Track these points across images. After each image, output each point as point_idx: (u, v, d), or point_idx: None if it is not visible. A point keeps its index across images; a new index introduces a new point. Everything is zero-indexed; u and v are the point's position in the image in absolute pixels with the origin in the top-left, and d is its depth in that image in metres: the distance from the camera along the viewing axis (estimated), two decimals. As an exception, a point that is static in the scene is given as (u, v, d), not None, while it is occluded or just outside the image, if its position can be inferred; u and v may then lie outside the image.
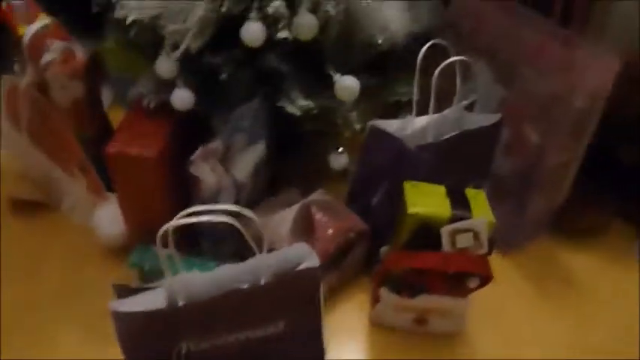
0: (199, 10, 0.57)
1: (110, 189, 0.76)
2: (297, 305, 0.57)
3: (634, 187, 0.83)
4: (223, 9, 0.57)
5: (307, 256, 0.55)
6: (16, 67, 0.76)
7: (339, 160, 0.73)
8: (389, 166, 0.70)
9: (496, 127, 0.75)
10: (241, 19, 0.59)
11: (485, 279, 0.64)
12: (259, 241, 0.53)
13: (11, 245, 0.81)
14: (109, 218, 0.76)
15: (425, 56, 0.72)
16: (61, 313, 0.73)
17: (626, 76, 0.78)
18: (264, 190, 0.74)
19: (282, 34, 0.57)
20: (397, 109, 0.80)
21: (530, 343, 0.73)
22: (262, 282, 0.53)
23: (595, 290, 0.80)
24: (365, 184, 0.74)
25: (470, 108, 0.77)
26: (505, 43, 0.75)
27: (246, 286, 0.53)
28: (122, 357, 0.54)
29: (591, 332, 0.74)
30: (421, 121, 0.72)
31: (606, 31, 0.86)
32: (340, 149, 0.73)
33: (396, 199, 0.67)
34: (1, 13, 0.71)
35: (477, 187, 0.77)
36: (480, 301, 0.70)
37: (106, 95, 0.85)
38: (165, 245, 0.49)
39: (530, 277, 0.81)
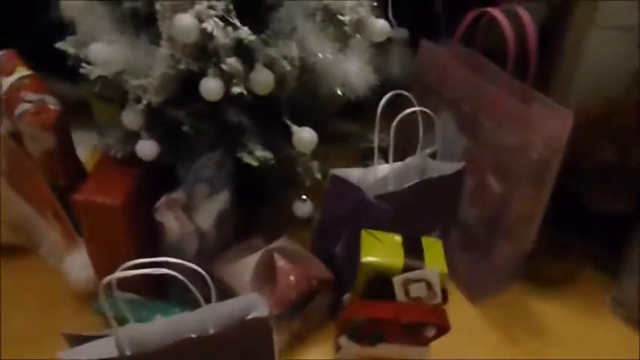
0: (160, 67, 0.60)
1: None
2: (248, 356, 0.58)
3: (602, 234, 0.84)
4: (181, 66, 0.60)
5: (257, 306, 0.56)
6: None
7: (303, 207, 0.75)
8: (350, 215, 0.71)
9: (458, 175, 0.76)
10: (201, 74, 0.62)
11: (442, 329, 0.64)
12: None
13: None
14: (79, 264, 0.77)
15: (392, 104, 0.75)
16: (28, 356, 0.73)
17: (590, 125, 0.80)
18: (230, 237, 0.75)
19: (237, 90, 0.60)
20: (367, 156, 0.82)
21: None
22: (211, 332, 0.54)
23: (563, 340, 0.80)
24: (328, 232, 0.76)
25: (433, 156, 0.78)
26: (467, 95, 0.77)
27: (194, 335, 0.54)
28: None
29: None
30: (383, 169, 0.74)
31: (570, 83, 0.88)
32: (304, 197, 0.74)
33: (357, 248, 0.68)
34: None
35: (442, 234, 0.78)
36: (446, 348, 0.70)
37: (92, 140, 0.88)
38: (110, 295, 0.50)
39: (497, 325, 0.81)
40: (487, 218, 0.79)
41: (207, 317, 0.54)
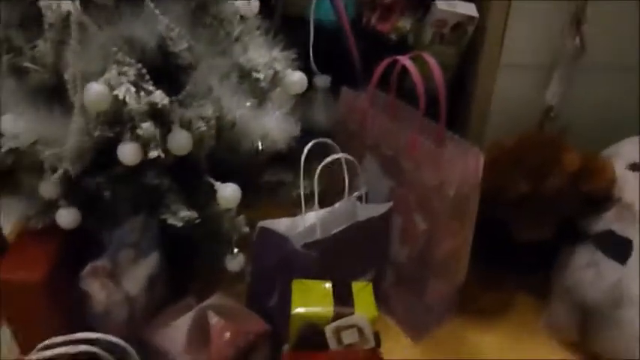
0: (73, 137, 0.60)
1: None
2: None
3: (528, 263, 0.87)
4: (96, 134, 0.60)
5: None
6: None
7: (235, 262, 0.75)
8: (280, 265, 0.72)
9: (386, 216, 0.79)
10: (117, 140, 0.62)
11: (377, 373, 0.64)
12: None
13: None
14: (2, 344, 0.74)
15: (320, 152, 0.77)
16: None
17: (506, 159, 0.84)
18: (163, 300, 0.74)
19: (154, 154, 0.60)
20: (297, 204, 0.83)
21: None
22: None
23: (503, 368, 0.81)
24: (261, 284, 0.76)
25: (360, 200, 0.80)
26: (387, 138, 0.80)
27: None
28: None
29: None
30: (311, 217, 0.75)
31: (484, 121, 0.93)
32: (235, 251, 0.74)
33: (290, 298, 0.68)
34: None
35: (376, 275, 0.80)
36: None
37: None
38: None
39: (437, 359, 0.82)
40: (417, 256, 0.81)
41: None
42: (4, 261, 0.66)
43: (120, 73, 0.59)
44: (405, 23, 0.94)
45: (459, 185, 0.72)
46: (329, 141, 0.77)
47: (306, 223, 0.74)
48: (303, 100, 0.85)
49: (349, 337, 0.63)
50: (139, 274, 0.69)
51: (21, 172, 0.68)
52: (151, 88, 0.61)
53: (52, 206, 0.67)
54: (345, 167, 0.78)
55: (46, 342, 0.48)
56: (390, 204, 0.79)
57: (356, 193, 0.80)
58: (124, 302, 0.69)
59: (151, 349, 0.70)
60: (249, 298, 0.78)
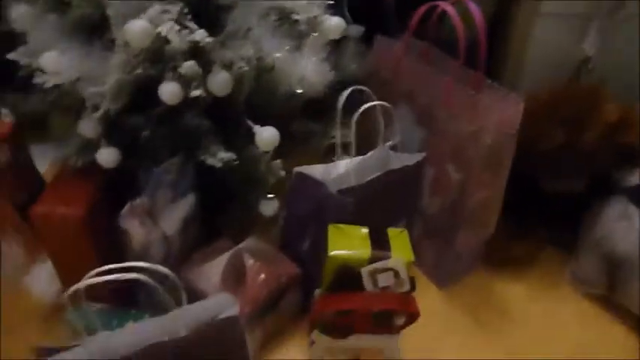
0: (115, 74, 0.60)
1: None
2: (222, 356, 0.58)
3: (558, 215, 0.87)
4: (139, 71, 0.60)
5: (228, 306, 0.56)
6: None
7: (270, 206, 0.75)
8: (314, 211, 0.72)
9: (419, 165, 0.78)
10: (158, 79, 0.62)
11: (412, 316, 0.66)
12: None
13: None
14: (43, 278, 0.76)
15: (351, 101, 0.76)
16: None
17: (541, 111, 0.83)
18: (196, 240, 0.75)
19: (196, 93, 0.60)
20: (329, 154, 0.83)
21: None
22: (182, 334, 0.54)
23: (528, 318, 0.82)
24: (295, 229, 0.76)
25: (394, 148, 0.80)
26: (422, 87, 0.79)
27: (166, 339, 0.53)
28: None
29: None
30: (345, 164, 0.75)
31: (519, 71, 0.92)
32: (270, 195, 0.75)
33: (324, 243, 0.69)
34: None
35: (406, 225, 0.80)
36: (418, 333, 0.72)
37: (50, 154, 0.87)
38: (76, 305, 0.50)
39: (465, 309, 0.83)
40: (448, 206, 0.81)
41: (179, 320, 0.54)
42: (43, 196, 0.67)
43: (163, 11, 0.58)
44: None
45: (497, 133, 0.71)
46: (365, 89, 0.76)
47: (340, 170, 0.75)
48: (336, 48, 0.84)
49: (385, 280, 0.64)
50: (175, 214, 0.70)
51: (61, 110, 0.69)
52: (193, 26, 0.60)
53: (91, 146, 0.67)
54: (380, 115, 0.77)
55: (98, 269, 0.49)
56: (423, 154, 0.79)
57: (389, 142, 0.80)
58: (160, 241, 0.70)
59: (186, 288, 0.72)
60: (282, 242, 0.79)
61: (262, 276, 0.72)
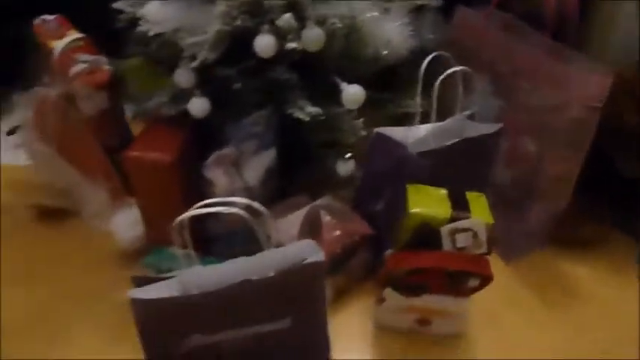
0: (216, 24, 0.62)
1: (130, 195, 0.80)
2: (303, 301, 0.60)
3: (631, 200, 0.86)
4: (238, 22, 0.62)
5: (313, 252, 0.58)
6: (45, 80, 0.82)
7: (346, 166, 0.77)
8: (392, 172, 0.74)
9: (496, 135, 0.78)
10: (252, 31, 0.64)
11: (485, 279, 0.66)
12: (268, 238, 0.57)
13: (35, 249, 0.85)
14: (127, 222, 0.80)
15: (429, 69, 0.77)
16: (80, 314, 0.76)
17: (623, 89, 0.81)
18: (274, 195, 0.78)
19: (292, 45, 0.62)
20: (404, 121, 0.84)
21: (529, 349, 0.74)
22: (270, 274, 0.57)
23: (593, 299, 0.82)
24: (370, 189, 0.78)
25: (472, 118, 0.80)
26: (503, 58, 0.79)
27: (255, 277, 0.56)
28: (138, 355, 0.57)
29: (589, 340, 0.76)
30: (424, 129, 0.76)
31: (605, 45, 0.90)
32: (347, 156, 0.76)
33: (400, 204, 0.70)
34: (33, 29, 0.77)
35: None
36: (481, 306, 0.73)
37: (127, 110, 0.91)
38: (181, 236, 0.53)
39: (530, 285, 0.83)
40: (521, 179, 0.81)
41: (267, 261, 0.57)
42: (136, 142, 0.70)
43: (265, -36, 0.60)
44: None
45: (582, 107, 0.70)
46: (447, 54, 0.77)
47: (420, 134, 0.75)
48: (417, 16, 0.84)
49: (463, 241, 0.64)
50: (258, 166, 0.73)
51: (155, 61, 0.72)
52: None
53: (183, 96, 0.70)
54: (460, 84, 0.77)
55: (204, 202, 0.52)
56: (500, 125, 0.79)
57: (467, 112, 0.80)
58: (243, 191, 0.72)
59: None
60: (356, 202, 0.81)
61: (337, 232, 0.73)
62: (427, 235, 0.65)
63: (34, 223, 0.91)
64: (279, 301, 0.59)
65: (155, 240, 0.77)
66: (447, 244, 0.65)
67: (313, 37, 0.63)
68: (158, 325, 0.57)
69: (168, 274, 0.58)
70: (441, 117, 0.78)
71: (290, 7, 0.63)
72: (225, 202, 0.52)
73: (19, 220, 0.91)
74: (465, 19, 0.84)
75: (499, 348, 0.74)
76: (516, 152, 0.80)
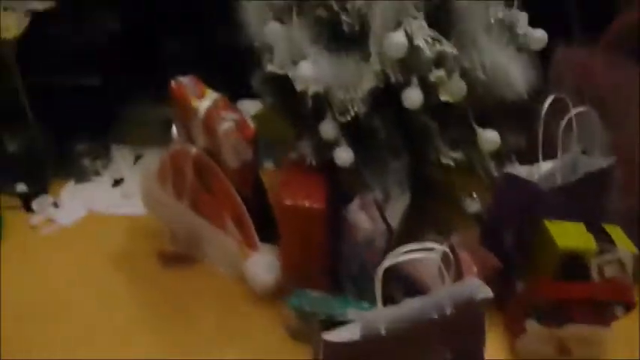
0: (369, 82, 0.67)
1: (261, 240, 0.85)
2: (467, 334, 0.64)
3: None
4: (391, 80, 0.67)
5: (481, 289, 0.62)
6: (176, 134, 0.88)
7: (473, 205, 0.81)
8: (522, 208, 0.78)
9: (612, 168, 0.83)
10: (400, 85, 0.69)
11: (630, 306, 0.70)
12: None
13: (163, 294, 0.89)
14: (263, 266, 0.84)
15: (530, 105, 0.82)
16: (217, 356, 0.78)
17: None
18: (409, 235, 0.82)
19: (444, 98, 0.67)
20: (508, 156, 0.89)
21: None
22: (448, 312, 0.60)
23: None
24: (497, 225, 0.82)
25: (585, 152, 0.85)
26: (613, 93, 0.84)
27: (435, 316, 0.60)
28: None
29: None
30: (545, 166, 0.80)
31: None
32: (474, 195, 0.81)
33: (531, 238, 0.74)
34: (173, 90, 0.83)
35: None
36: (621, 331, 0.75)
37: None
38: (385, 282, 0.57)
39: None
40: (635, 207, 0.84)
41: (444, 299, 0.61)
42: (284, 191, 0.75)
43: (419, 27, 0.65)
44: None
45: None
46: (565, 97, 0.81)
47: (543, 171, 0.80)
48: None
49: (611, 271, 0.68)
50: (398, 209, 0.77)
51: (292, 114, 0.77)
52: (440, 38, 0.67)
53: (327, 145, 0.75)
54: (574, 121, 0.82)
55: (402, 248, 0.56)
56: (614, 158, 0.83)
57: (579, 147, 0.85)
58: (384, 233, 0.77)
59: (403, 276, 0.78)
60: (483, 237, 0.84)
61: (474, 268, 0.77)
62: (574, 268, 0.69)
63: (161, 269, 0.94)
64: (447, 336, 0.63)
65: (294, 282, 0.81)
66: (595, 275, 0.68)
67: (458, 89, 0.68)
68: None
69: (347, 319, 0.62)
70: (547, 152, 0.83)
71: (437, 63, 0.68)
72: (425, 248, 0.56)
73: (145, 267, 0.94)
74: (568, 58, 0.89)
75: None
76: (630, 182, 0.84)
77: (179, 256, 0.94)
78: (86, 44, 1.13)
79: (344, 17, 0.67)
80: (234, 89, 0.85)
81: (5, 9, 0.95)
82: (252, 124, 0.77)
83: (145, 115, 1.25)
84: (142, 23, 1.13)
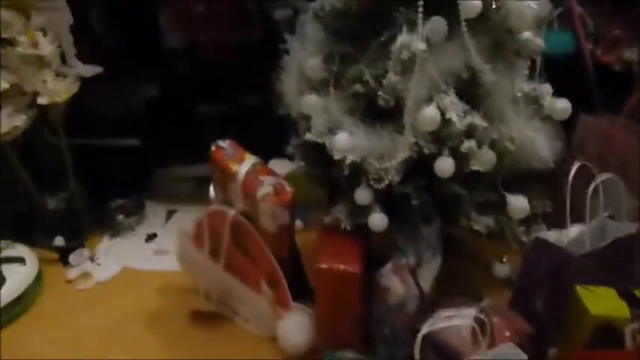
0: (404, 153, 0.71)
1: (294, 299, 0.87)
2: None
3: None
4: (425, 151, 0.71)
5: (517, 354, 0.64)
6: (214, 196, 0.92)
7: (502, 269, 0.83)
8: (552, 273, 0.79)
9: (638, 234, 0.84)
10: (434, 155, 0.73)
11: (665, 375, 0.70)
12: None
13: (195, 353, 0.90)
14: (296, 327, 0.86)
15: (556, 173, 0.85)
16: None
17: None
18: (437, 298, 0.83)
19: (475, 168, 0.70)
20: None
21: None
22: (484, 379, 0.62)
23: None
24: (527, 290, 0.83)
25: (612, 218, 0.87)
26: (635, 160, 0.87)
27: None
28: None
29: None
30: (574, 231, 0.82)
31: None
32: (504, 259, 0.83)
33: (562, 303, 0.76)
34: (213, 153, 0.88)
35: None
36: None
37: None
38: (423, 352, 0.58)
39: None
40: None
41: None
42: (322, 254, 0.78)
43: (450, 102, 0.69)
44: (632, 54, 1.01)
45: None
46: (588, 164, 0.84)
47: (571, 236, 0.82)
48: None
49: (644, 339, 0.69)
50: (430, 272, 0.79)
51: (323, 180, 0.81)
52: (470, 111, 0.71)
53: (361, 210, 0.78)
54: (600, 187, 0.85)
55: (442, 315, 0.58)
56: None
57: (606, 213, 0.87)
58: (416, 297, 0.78)
59: (434, 342, 0.79)
60: (514, 302, 0.86)
61: (507, 333, 0.78)
62: (608, 335, 0.70)
63: (193, 327, 0.96)
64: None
65: (327, 344, 0.83)
66: (629, 343, 0.69)
67: (488, 159, 0.72)
68: None
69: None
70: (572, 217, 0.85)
71: (467, 134, 0.71)
72: (462, 315, 0.58)
73: (177, 326, 0.96)
74: (590, 127, 0.93)
75: None
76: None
77: (212, 315, 0.96)
78: (126, 108, 1.21)
79: (380, 92, 0.71)
80: (265, 150, 0.89)
81: (57, 75, 1.01)
82: (289, 189, 0.81)
83: (176, 173, 1.31)
84: (180, 91, 1.20)
